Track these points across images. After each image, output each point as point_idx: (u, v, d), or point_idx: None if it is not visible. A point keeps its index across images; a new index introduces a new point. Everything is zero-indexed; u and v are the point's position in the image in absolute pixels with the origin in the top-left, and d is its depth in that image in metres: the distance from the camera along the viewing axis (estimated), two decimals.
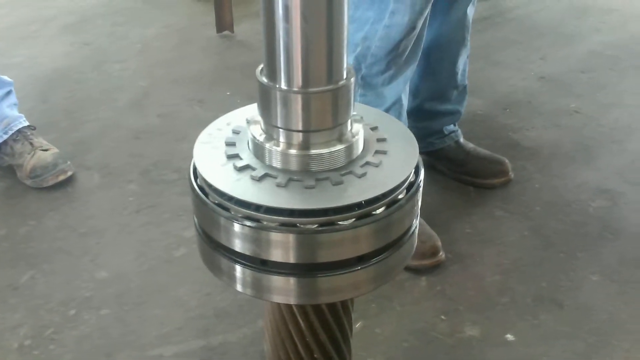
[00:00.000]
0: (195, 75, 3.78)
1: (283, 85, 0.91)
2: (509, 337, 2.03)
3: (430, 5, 2.09)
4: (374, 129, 1.07)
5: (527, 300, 2.17)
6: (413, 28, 2.08)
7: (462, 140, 2.76)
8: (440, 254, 2.28)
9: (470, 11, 2.51)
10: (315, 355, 1.21)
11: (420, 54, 2.22)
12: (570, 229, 2.50)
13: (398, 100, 2.22)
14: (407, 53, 2.13)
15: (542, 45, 4.13)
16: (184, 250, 2.40)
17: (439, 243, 2.29)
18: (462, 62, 2.65)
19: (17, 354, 1.98)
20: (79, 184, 2.79)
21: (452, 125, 2.74)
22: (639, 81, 3.65)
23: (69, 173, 2.76)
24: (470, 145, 2.75)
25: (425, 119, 2.66)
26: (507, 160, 2.73)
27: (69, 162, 2.78)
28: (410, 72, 2.22)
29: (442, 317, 2.11)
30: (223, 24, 4.30)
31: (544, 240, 2.45)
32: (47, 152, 2.75)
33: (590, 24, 4.45)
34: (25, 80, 3.59)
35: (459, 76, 2.66)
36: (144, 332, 2.06)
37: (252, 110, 1.10)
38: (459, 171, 2.73)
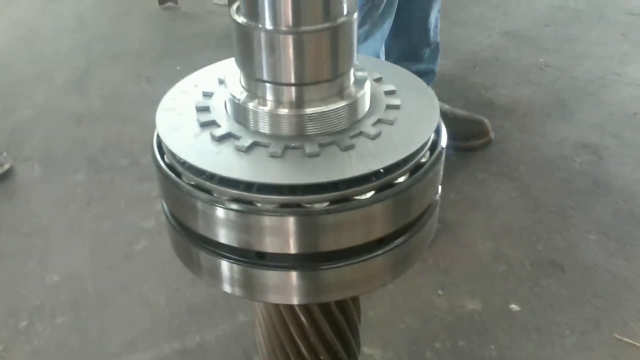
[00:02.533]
0: (138, 51, 3.46)
1: (268, 24, 0.69)
2: (513, 307, 1.88)
3: None
4: (377, 80, 0.86)
5: (526, 266, 2.02)
6: None
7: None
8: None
9: None
10: (321, 357, 1.02)
11: (396, 7, 2.01)
12: (558, 187, 2.37)
13: None
14: (382, 5, 1.92)
15: (502, 1, 3.99)
16: (145, 242, 2.14)
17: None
18: (434, 17, 2.46)
19: None
20: (17, 178, 2.47)
21: None
22: (604, 32, 3.55)
23: (6, 166, 2.46)
24: (446, 107, 2.58)
25: None
26: (486, 120, 2.58)
27: (5, 154, 2.47)
28: (387, 26, 2.02)
29: (439, 292, 1.94)
30: None
31: (533, 200, 2.31)
32: None
33: None
34: None
35: (431, 32, 2.48)
36: (106, 340, 1.80)
37: (223, 67, 0.88)
38: None
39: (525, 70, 3.18)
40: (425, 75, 2.53)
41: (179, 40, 3.59)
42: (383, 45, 2.10)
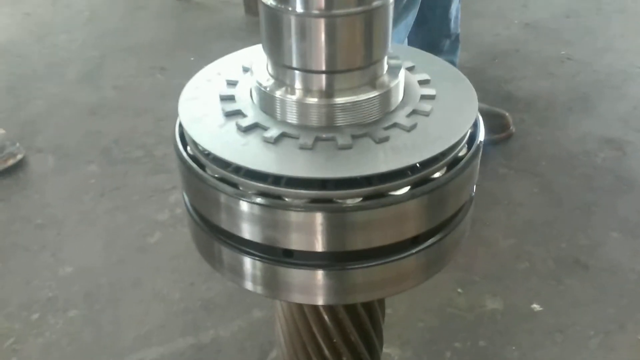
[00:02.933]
0: (152, 42, 3.43)
1: (299, 7, 0.65)
2: (535, 306, 1.83)
3: None
4: (410, 68, 0.82)
5: (548, 264, 1.97)
6: None
7: None
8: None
9: None
10: (343, 358, 0.98)
11: None
12: (581, 183, 2.31)
13: None
14: None
15: None
16: (159, 235, 2.11)
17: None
18: (455, 8, 2.40)
19: None
20: (30, 169, 2.45)
21: None
22: (625, 25, 3.47)
23: (19, 157, 2.42)
24: None
25: None
26: (507, 114, 2.52)
27: (17, 145, 2.44)
28: (411, 18, 1.97)
29: (459, 290, 1.89)
30: None
31: (555, 196, 2.25)
32: None
33: None
34: None
35: (452, 24, 2.42)
36: (120, 334, 1.78)
37: (246, 55, 0.84)
38: None
39: (545, 62, 3.11)
40: None
41: (193, 31, 3.55)
42: (406, 38, 2.05)
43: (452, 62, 2.48)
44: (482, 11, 3.66)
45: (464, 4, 3.71)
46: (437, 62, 0.87)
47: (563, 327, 1.77)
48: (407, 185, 0.67)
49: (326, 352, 0.96)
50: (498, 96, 2.81)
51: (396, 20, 1.90)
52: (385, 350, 1.69)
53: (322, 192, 0.64)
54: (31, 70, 3.20)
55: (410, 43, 2.38)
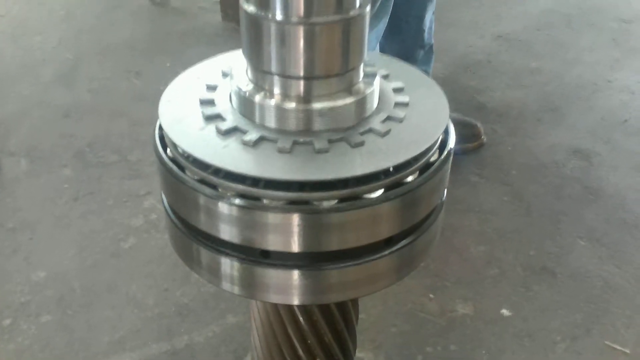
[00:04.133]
0: (128, 45, 3.41)
1: (279, 15, 0.67)
2: (505, 312, 1.87)
3: None
4: (385, 76, 0.85)
5: (518, 271, 2.02)
6: None
7: None
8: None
9: None
10: (317, 359, 1.00)
11: (391, 7, 2.00)
12: (550, 192, 2.37)
13: None
14: (378, 4, 1.90)
15: (495, 3, 3.99)
16: (133, 240, 2.11)
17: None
18: (429, 18, 2.45)
19: None
20: (2, 172, 2.42)
21: None
22: (595, 38, 3.57)
23: None
24: None
25: None
26: (479, 124, 2.57)
27: None
28: (382, 26, 2.00)
29: (430, 295, 1.93)
30: None
31: (525, 205, 2.31)
32: None
33: None
34: None
35: (426, 34, 2.46)
36: (94, 339, 1.77)
37: (225, 60, 0.86)
38: None
39: (517, 74, 3.19)
40: None
41: (169, 36, 3.54)
42: (378, 46, 2.09)
43: (426, 72, 2.52)
44: (456, 22, 3.73)
45: (438, 15, 3.78)
46: (411, 71, 0.90)
47: (531, 331, 1.81)
48: (381, 188, 0.69)
49: (301, 353, 0.97)
50: (470, 106, 2.87)
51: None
52: (358, 354, 1.71)
53: (299, 194, 0.66)
54: (3, 70, 3.16)
55: (384, 52, 2.42)
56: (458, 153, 2.46)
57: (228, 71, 0.80)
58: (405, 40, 2.43)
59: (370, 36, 1.97)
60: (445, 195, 0.83)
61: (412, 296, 1.92)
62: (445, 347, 1.77)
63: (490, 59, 3.33)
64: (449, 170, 0.80)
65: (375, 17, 1.95)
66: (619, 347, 1.77)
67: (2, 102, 2.88)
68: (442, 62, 3.20)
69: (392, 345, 1.78)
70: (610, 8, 3.93)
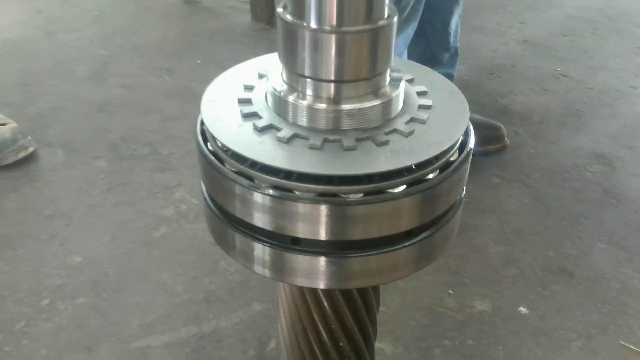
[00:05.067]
0: (159, 44, 3.51)
1: (313, 24, 0.73)
2: (522, 309, 1.92)
3: None
4: (410, 80, 0.90)
5: (536, 271, 2.06)
6: None
7: None
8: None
9: None
10: (340, 343, 1.06)
11: (421, 12, 2.05)
12: (571, 195, 2.40)
13: None
14: (408, 9, 1.96)
15: (519, 9, 4.02)
16: (164, 230, 2.19)
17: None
18: (455, 22, 2.50)
19: None
20: (40, 162, 2.53)
21: None
22: (620, 44, 3.58)
23: (30, 149, 2.50)
24: None
25: None
26: (502, 126, 2.61)
27: (29, 138, 2.52)
28: (411, 31, 2.06)
29: (449, 291, 1.98)
30: None
31: (545, 207, 2.35)
32: (5, 126, 2.47)
33: None
34: None
35: (452, 37, 2.51)
36: (126, 322, 1.85)
37: (262, 62, 0.92)
38: None
39: (541, 78, 3.22)
40: None
41: (200, 34, 3.63)
42: (406, 49, 2.14)
43: (451, 75, 2.58)
44: (481, 27, 3.77)
45: (464, 19, 3.83)
46: (434, 76, 0.95)
47: (547, 330, 1.86)
48: (404, 184, 0.74)
49: (324, 336, 1.03)
50: (494, 109, 2.91)
51: (396, 33, 1.99)
52: (377, 345, 1.78)
53: (328, 187, 0.72)
54: (40, 66, 3.28)
55: (410, 55, 2.47)
56: (480, 155, 2.51)
57: (264, 73, 0.86)
58: (430, 43, 2.49)
59: (399, 40, 2.03)
60: (464, 192, 0.88)
61: (431, 292, 1.98)
62: (462, 342, 1.82)
63: (514, 64, 3.36)
64: (468, 170, 0.85)
65: (405, 22, 2.01)
66: (633, 347, 1.80)
67: (40, 96, 3.00)
68: (467, 65, 3.25)
69: (411, 337, 1.83)
70: (636, 15, 3.93)
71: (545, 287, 2.00)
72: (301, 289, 0.99)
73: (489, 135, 2.58)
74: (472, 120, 2.55)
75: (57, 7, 3.96)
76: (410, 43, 2.45)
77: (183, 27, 3.77)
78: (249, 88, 0.87)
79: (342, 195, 0.72)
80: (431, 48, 2.50)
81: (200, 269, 2.01)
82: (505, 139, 2.61)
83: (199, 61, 3.26)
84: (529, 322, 1.88)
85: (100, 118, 2.85)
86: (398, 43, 2.04)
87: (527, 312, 1.91)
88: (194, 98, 2.59)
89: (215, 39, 3.56)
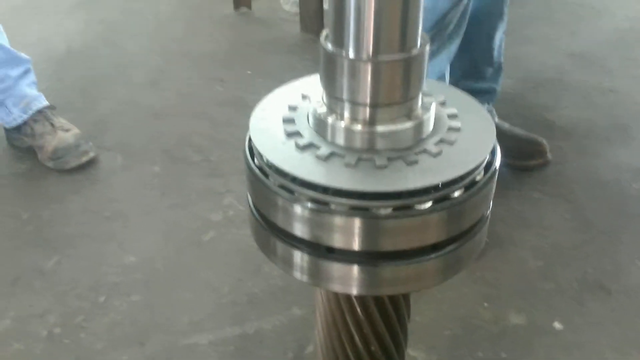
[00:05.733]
0: (212, 53, 3.66)
1: (351, 53, 0.81)
2: (557, 325, 1.94)
3: None
4: (442, 103, 0.98)
5: (573, 286, 2.08)
6: None
7: (497, 119, 2.65)
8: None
9: None
10: (372, 347, 1.13)
11: (464, 29, 2.11)
12: (612, 211, 2.41)
13: (441, 78, 2.11)
14: (451, 26, 2.02)
15: (569, 21, 3.99)
16: (213, 234, 2.32)
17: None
18: (499, 37, 2.53)
19: (46, 343, 1.91)
20: (101, 166, 2.70)
21: (487, 105, 2.63)
22: None
23: (91, 154, 2.67)
24: (506, 125, 2.65)
25: None
26: (544, 141, 2.62)
27: (90, 143, 2.69)
28: (454, 47, 2.11)
29: (485, 304, 2.03)
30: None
31: (585, 222, 2.36)
32: (69, 132, 2.66)
33: None
34: (38, 59, 3.46)
35: (495, 52, 2.55)
36: (175, 318, 1.98)
37: (306, 84, 1.01)
38: None
39: (588, 92, 3.20)
40: (487, 94, 2.61)
41: (251, 44, 3.76)
42: (448, 65, 2.20)
43: (494, 90, 2.62)
44: (530, 38, 3.76)
45: (512, 30, 3.83)
46: (465, 99, 1.02)
47: (582, 344, 1.88)
48: (430, 201, 0.81)
49: (357, 340, 1.11)
50: (538, 123, 2.92)
51: (439, 49, 2.05)
52: (411, 353, 1.85)
53: (361, 201, 0.79)
54: (100, 73, 3.47)
55: (453, 69, 2.52)
56: (522, 169, 2.54)
57: (307, 94, 0.95)
58: (474, 58, 2.53)
59: (442, 56, 2.09)
60: (490, 209, 0.95)
61: (466, 303, 2.03)
62: (496, 353, 1.87)
63: (561, 77, 3.35)
64: (494, 189, 0.92)
65: (449, 39, 2.07)
66: None
67: (99, 101, 3.18)
68: (512, 79, 3.27)
69: (445, 347, 1.89)
70: None
71: (582, 303, 2.02)
72: (336, 295, 1.07)
73: (531, 150, 2.60)
74: (514, 134, 2.60)
75: (118, 16, 4.17)
76: (454, 57, 2.50)
77: (235, 37, 3.91)
78: (292, 108, 0.96)
79: (374, 210, 0.80)
80: (475, 62, 2.54)
81: (244, 272, 2.12)
82: (548, 154, 2.62)
83: (249, 72, 3.39)
84: (563, 337, 1.91)
85: (156, 123, 3.00)
86: (442, 59, 2.10)
87: (562, 327, 1.94)
88: (244, 108, 2.71)
89: (265, 50, 3.68)
